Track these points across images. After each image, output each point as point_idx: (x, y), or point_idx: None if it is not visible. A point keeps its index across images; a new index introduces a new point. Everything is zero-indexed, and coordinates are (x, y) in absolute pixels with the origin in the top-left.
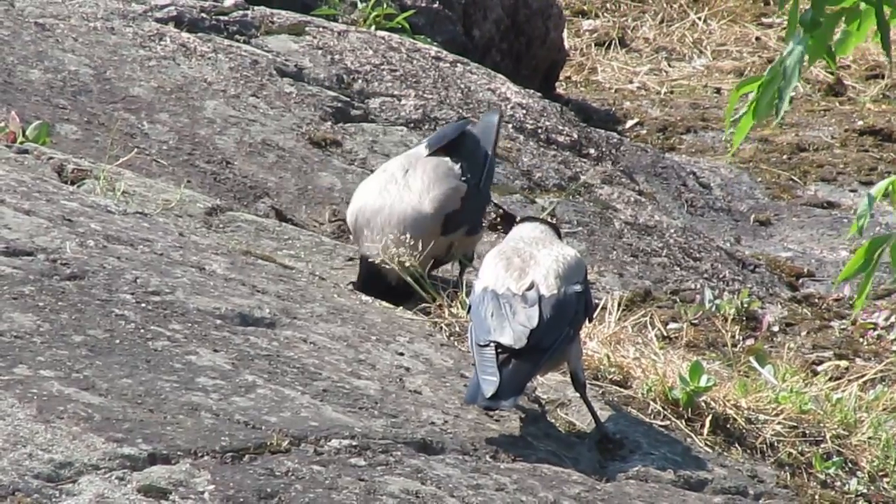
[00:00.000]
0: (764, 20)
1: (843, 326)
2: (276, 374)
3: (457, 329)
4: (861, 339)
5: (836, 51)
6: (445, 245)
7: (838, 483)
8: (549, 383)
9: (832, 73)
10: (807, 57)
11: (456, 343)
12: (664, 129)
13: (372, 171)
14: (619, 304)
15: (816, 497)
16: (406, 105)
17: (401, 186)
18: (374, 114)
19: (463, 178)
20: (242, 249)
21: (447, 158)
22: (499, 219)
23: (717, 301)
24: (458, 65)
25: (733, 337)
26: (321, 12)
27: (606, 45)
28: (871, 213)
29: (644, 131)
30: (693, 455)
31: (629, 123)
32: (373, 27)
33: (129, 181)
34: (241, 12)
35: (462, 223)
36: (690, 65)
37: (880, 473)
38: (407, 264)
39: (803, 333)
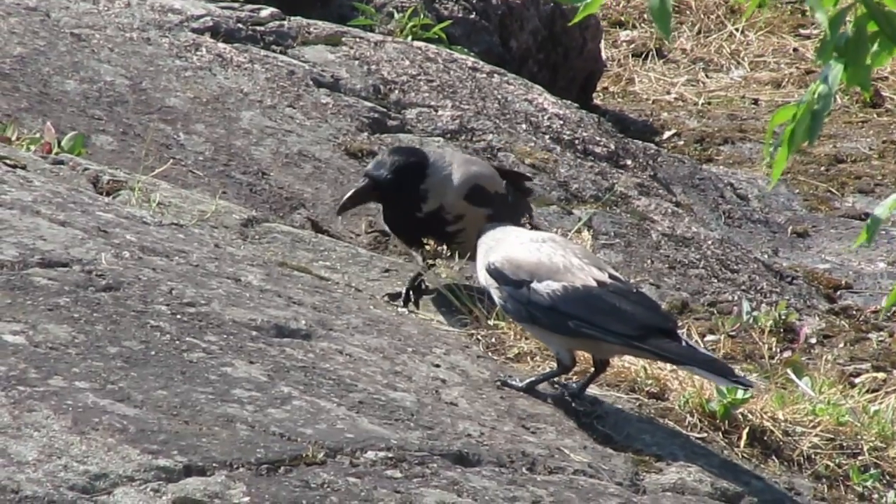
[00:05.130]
0: (801, 31)
1: (880, 338)
2: (312, 386)
3: (493, 341)
4: None
5: (874, 63)
6: (471, 213)
7: (875, 496)
8: (586, 394)
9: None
10: (843, 82)
11: (492, 355)
12: (701, 141)
13: None
14: None
15: None
16: (443, 116)
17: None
18: (411, 124)
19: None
20: (278, 261)
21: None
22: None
23: (755, 313)
24: (495, 75)
25: (770, 349)
26: (358, 23)
27: (644, 55)
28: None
29: (681, 142)
30: (730, 467)
31: (666, 134)
32: (409, 38)
33: (164, 192)
34: (277, 23)
35: (488, 203)
36: (728, 76)
37: None
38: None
39: (841, 345)
